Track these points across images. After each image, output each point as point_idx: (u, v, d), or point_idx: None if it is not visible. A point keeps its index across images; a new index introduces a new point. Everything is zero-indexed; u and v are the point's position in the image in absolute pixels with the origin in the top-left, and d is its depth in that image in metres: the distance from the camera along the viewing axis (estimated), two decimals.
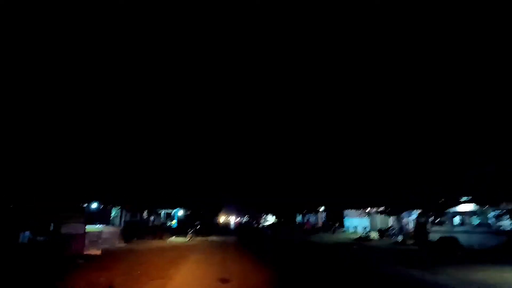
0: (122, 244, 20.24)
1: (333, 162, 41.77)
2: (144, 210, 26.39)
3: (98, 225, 21.06)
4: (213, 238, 28.24)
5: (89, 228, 18.42)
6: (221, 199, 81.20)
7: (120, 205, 22.85)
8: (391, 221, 35.63)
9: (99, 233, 16.20)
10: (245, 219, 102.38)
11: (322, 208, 52.86)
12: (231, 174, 72.83)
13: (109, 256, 14.86)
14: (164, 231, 24.87)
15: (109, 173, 20.99)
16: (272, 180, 60.47)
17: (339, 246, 22.92)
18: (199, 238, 25.79)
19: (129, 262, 12.92)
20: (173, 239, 24.56)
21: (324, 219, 54.37)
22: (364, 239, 26.88)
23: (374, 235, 29.59)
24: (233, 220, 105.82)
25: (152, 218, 27.24)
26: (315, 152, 45.19)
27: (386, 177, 26.51)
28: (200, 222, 46.67)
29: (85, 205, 21.41)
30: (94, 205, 21.45)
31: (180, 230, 26.33)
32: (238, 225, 77.07)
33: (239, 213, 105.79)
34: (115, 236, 20.57)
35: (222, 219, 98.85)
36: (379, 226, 35.82)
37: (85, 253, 15.12)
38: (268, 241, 27.39)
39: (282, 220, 59.35)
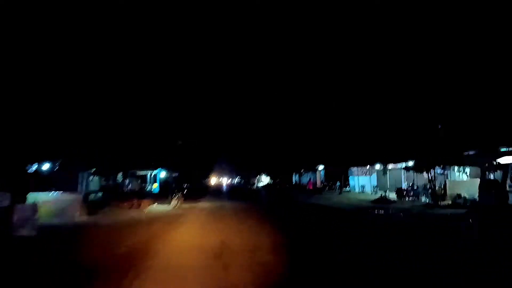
0: (83, 217, 15.20)
1: (334, 109, 36.94)
2: (118, 172, 21.22)
3: (55, 192, 15.93)
4: (203, 204, 23.45)
5: (34, 197, 13.34)
6: (211, 157, 76.65)
7: (85, 165, 17.51)
8: (404, 178, 31.29)
9: (34, 206, 11.01)
10: (237, 180, 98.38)
11: (321, 167, 48.51)
12: (222, 127, 67.66)
13: (42, 241, 9.80)
14: (142, 197, 19.83)
15: (67, 123, 15.58)
16: (266, 134, 55.63)
17: (359, 211, 18.32)
18: (186, 205, 20.92)
19: (59, 255, 7.87)
20: (154, 207, 19.60)
21: (322, 178, 50.17)
22: (384, 201, 22.41)
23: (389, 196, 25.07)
24: (224, 181, 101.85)
25: (127, 182, 22.16)
26: (312, 97, 39.96)
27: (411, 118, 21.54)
28: (188, 185, 42.07)
29: (34, 165, 16.16)
30: (46, 166, 16.11)
31: (163, 195, 21.38)
32: (230, 187, 72.78)
33: (230, 173, 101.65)
34: (74, 207, 15.49)
35: (212, 180, 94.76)
36: (389, 184, 31.56)
37: (14, 234, 10.09)
38: (270, 207, 22.82)
39: (278, 180, 55.04)
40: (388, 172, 32.68)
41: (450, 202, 19.02)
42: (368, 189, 33.56)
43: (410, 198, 23.22)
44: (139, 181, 22.87)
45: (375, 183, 33.96)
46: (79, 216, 15.27)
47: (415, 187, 23.99)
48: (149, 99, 22.49)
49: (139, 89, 20.81)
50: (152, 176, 23.26)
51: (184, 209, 19.07)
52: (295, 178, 55.12)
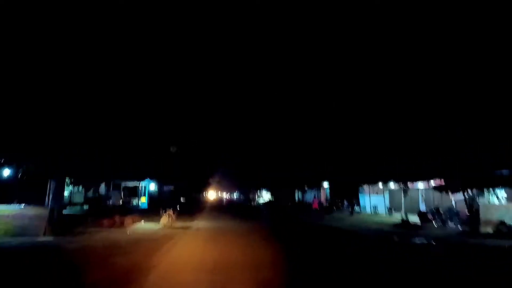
0: (49, 238, 12.05)
1: (339, 116, 34.14)
2: (100, 181, 17.99)
3: (16, 205, 12.86)
4: (199, 222, 20.24)
5: None
6: (210, 171, 73.36)
7: (57, 172, 14.27)
8: (422, 199, 28.26)
9: None
10: (236, 195, 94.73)
11: (326, 184, 45.45)
12: (222, 139, 64.77)
13: None
14: (126, 213, 16.61)
15: (35, 118, 12.51)
16: (268, 148, 52.61)
17: (383, 239, 15.08)
18: (179, 224, 17.66)
19: None
20: (141, 225, 16.42)
21: (327, 196, 47.04)
22: (407, 226, 19.24)
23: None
24: (223, 196, 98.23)
25: (110, 194, 18.89)
26: (316, 107, 37.29)
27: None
28: (183, 199, 38.87)
29: None
30: (7, 172, 13.01)
31: (153, 211, 18.18)
32: (229, 202, 69.27)
33: (230, 188, 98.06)
34: (38, 225, 12.39)
35: (211, 195, 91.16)
36: (404, 205, 28.48)
37: None
38: (278, 230, 19.64)
39: (279, 197, 51.77)
40: (402, 192, 29.68)
41: (491, 231, 15.90)
42: (381, 210, 30.40)
43: (436, 223, 20.06)
44: (124, 193, 19.51)
45: (388, 204, 30.87)
46: (44, 236, 12.14)
47: (440, 210, 20.82)
48: (142, 101, 19.35)
49: (132, 88, 17.81)
50: (141, 189, 19.98)
51: (175, 229, 15.83)
52: (297, 195, 51.88)
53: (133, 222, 16.06)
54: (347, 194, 38.04)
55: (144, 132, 19.93)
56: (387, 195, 32.02)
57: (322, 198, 44.69)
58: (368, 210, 31.66)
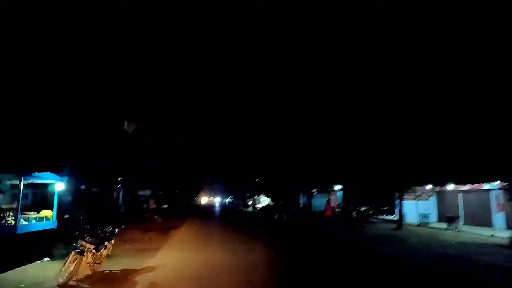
0: None
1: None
2: None
3: None
4: (167, 256, 11.15)
5: None
6: (200, 173, 64.25)
7: None
8: (494, 205, 19.86)
9: None
10: (229, 199, 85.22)
11: (338, 187, 36.61)
12: (213, 136, 55.81)
13: None
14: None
15: None
16: (266, 145, 43.67)
17: None
18: (115, 265, 8.32)
19: None
20: (16, 274, 7.06)
21: (340, 201, 38.16)
22: None
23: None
24: (216, 201, 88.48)
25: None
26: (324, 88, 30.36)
27: None
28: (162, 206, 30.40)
29: None
30: None
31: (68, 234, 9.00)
32: (222, 208, 59.73)
33: (223, 192, 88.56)
34: None
35: (203, 200, 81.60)
36: (464, 211, 19.99)
37: None
38: (295, 252, 10.57)
39: (281, 202, 42.63)
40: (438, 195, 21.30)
41: None
42: (434, 218, 21.87)
43: None
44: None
45: (436, 210, 22.30)
46: None
47: None
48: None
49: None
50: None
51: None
52: (302, 200, 42.92)
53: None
54: (369, 198, 29.32)
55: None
56: (433, 200, 23.34)
57: (333, 204, 35.79)
58: (410, 219, 22.77)
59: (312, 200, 39.80)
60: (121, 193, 29.90)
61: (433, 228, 19.45)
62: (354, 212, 29.76)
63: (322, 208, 37.31)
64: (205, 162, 63.76)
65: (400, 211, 19.76)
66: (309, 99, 33.66)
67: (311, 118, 35.41)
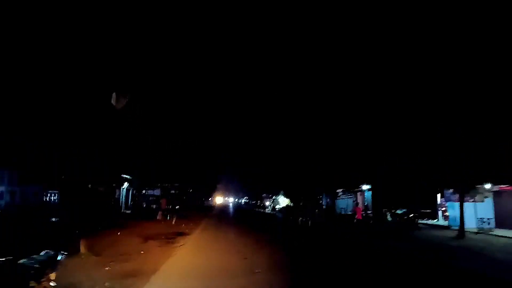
0: None
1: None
2: None
3: None
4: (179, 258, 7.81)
5: None
6: (215, 172, 61.08)
7: None
8: None
9: None
10: (244, 200, 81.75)
11: (365, 187, 32.76)
12: (228, 135, 53.16)
13: None
14: None
15: None
16: (286, 142, 39.99)
17: None
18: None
19: None
20: None
21: (368, 202, 34.24)
22: None
23: None
24: (230, 201, 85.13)
25: None
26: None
27: None
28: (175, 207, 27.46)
29: None
30: None
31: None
32: (238, 209, 56.18)
33: (238, 193, 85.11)
34: None
35: (217, 200, 78.38)
36: None
37: None
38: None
39: (301, 203, 38.88)
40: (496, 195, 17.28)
41: None
42: (490, 224, 17.79)
43: None
44: None
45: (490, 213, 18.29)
46: None
47: None
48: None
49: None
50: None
51: None
52: (325, 201, 39.10)
53: None
54: (412, 200, 25.35)
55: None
56: (489, 202, 19.30)
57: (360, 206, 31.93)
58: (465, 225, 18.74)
59: (336, 201, 36.01)
60: (123, 191, 26.81)
61: (499, 236, 15.46)
62: (389, 215, 25.90)
63: (348, 210, 33.46)
64: (220, 161, 60.56)
65: (461, 215, 15.79)
66: (334, 87, 30.07)
67: (334, 110, 31.74)
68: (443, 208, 23.73)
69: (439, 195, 24.20)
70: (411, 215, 23.62)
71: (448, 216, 23.10)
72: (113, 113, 23.56)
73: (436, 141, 19.68)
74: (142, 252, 9.25)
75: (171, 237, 12.86)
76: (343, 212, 33.11)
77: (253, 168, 53.50)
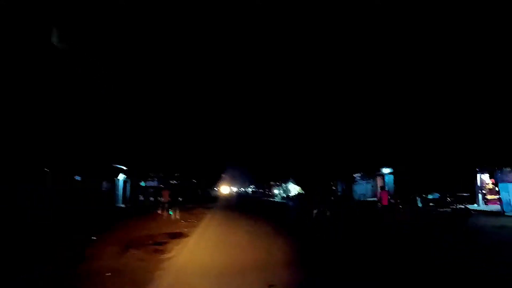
0: None
1: None
2: None
3: None
4: None
5: None
6: (221, 161, 58.06)
7: None
8: None
9: None
10: (251, 188, 78.55)
11: (387, 170, 29.43)
12: (234, 120, 50.63)
13: None
14: None
15: None
16: (296, 123, 36.53)
17: None
18: None
19: None
20: None
21: (386, 186, 30.74)
22: None
23: None
24: (228, 190, 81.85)
25: None
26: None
27: None
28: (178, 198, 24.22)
29: None
30: None
31: None
32: (244, 199, 52.85)
33: (244, 181, 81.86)
34: None
35: (223, 189, 75.16)
36: None
37: None
38: None
39: (317, 190, 35.50)
40: None
41: None
42: None
43: None
44: None
45: None
46: None
47: None
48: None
49: None
50: None
51: None
52: (340, 187, 35.76)
53: None
54: (444, 183, 21.95)
55: None
56: None
57: (377, 192, 28.60)
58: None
59: (355, 186, 32.66)
60: (119, 183, 23.58)
61: None
62: (419, 201, 22.58)
63: (368, 196, 30.15)
64: (226, 147, 57.30)
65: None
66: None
67: (347, 82, 28.30)
68: (484, 191, 20.35)
69: (479, 176, 20.75)
70: (448, 200, 20.25)
71: (489, 199, 19.81)
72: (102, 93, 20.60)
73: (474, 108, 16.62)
74: (108, 274, 5.93)
75: (163, 241, 9.56)
76: (362, 198, 29.78)
77: (260, 153, 50.20)
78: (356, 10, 21.18)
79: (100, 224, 12.95)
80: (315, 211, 17.55)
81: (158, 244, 9.09)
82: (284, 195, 42.66)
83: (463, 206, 16.80)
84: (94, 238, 9.71)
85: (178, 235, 10.61)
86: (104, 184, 20.47)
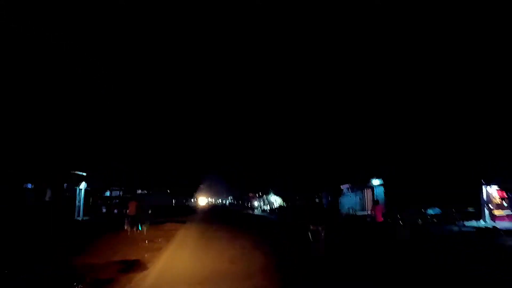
0: None
1: None
2: None
3: None
4: None
5: None
6: (198, 171, 55.15)
7: None
8: None
9: None
10: (229, 200, 75.02)
11: (376, 182, 27.05)
12: (217, 132, 48.41)
13: None
14: None
15: None
16: (278, 123, 34.05)
17: None
18: None
19: None
20: None
21: (379, 199, 28.24)
22: None
23: None
24: (205, 201, 77.92)
25: None
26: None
27: None
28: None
29: None
30: None
31: None
32: (223, 211, 49.14)
33: (222, 193, 78.13)
34: None
35: (201, 201, 71.25)
36: None
37: None
38: None
39: (298, 202, 32.62)
40: None
41: None
42: None
43: None
44: None
45: None
46: None
47: None
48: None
49: None
50: None
51: None
52: (325, 199, 33.14)
53: None
54: (444, 196, 19.64)
55: None
56: None
57: (369, 204, 26.27)
58: None
59: (342, 199, 30.14)
60: (80, 193, 20.02)
61: None
62: (418, 218, 20.22)
63: (356, 210, 27.67)
64: (203, 158, 54.30)
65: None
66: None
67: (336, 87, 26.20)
68: (491, 206, 18.22)
69: (484, 189, 18.61)
70: (454, 215, 17.91)
71: (497, 215, 17.69)
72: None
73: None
74: None
75: (107, 277, 6.41)
76: (350, 213, 27.24)
77: (238, 163, 47.31)
78: (356, 10, 20.02)
79: (37, 245, 9.60)
80: (310, 229, 14.51)
81: (96, 284, 5.94)
82: (266, 208, 39.59)
83: (485, 224, 14.41)
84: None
85: (133, 266, 7.44)
86: (49, 192, 16.96)
